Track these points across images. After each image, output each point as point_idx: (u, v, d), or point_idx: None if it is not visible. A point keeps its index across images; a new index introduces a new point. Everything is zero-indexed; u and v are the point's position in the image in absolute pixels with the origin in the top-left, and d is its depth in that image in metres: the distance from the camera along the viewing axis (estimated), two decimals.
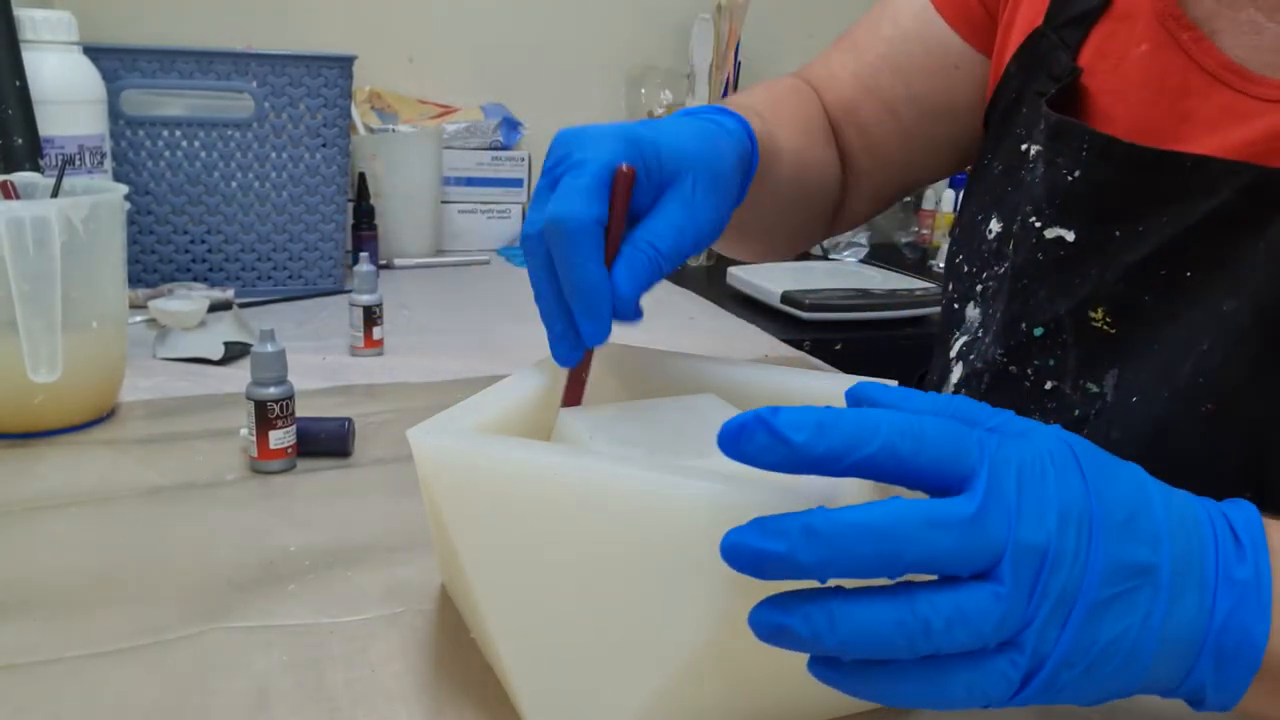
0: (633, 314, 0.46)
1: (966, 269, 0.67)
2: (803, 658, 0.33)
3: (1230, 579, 0.33)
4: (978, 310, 0.66)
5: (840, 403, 0.36)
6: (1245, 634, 0.32)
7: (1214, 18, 0.56)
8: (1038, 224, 0.60)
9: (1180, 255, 0.54)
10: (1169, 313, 0.55)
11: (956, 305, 0.68)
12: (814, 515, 0.31)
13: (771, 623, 0.31)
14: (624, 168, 0.45)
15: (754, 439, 0.31)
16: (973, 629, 0.30)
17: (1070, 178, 0.58)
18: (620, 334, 0.47)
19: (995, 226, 0.65)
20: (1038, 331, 0.60)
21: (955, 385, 0.66)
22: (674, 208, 0.47)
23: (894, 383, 0.40)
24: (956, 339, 0.67)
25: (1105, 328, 0.57)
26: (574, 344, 0.47)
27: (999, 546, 0.31)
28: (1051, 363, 0.59)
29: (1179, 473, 0.47)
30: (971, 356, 0.65)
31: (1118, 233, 0.56)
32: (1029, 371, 0.61)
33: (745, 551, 0.31)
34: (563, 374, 0.49)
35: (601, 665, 0.38)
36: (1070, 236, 0.58)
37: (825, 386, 0.49)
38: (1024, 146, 0.63)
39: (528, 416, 0.47)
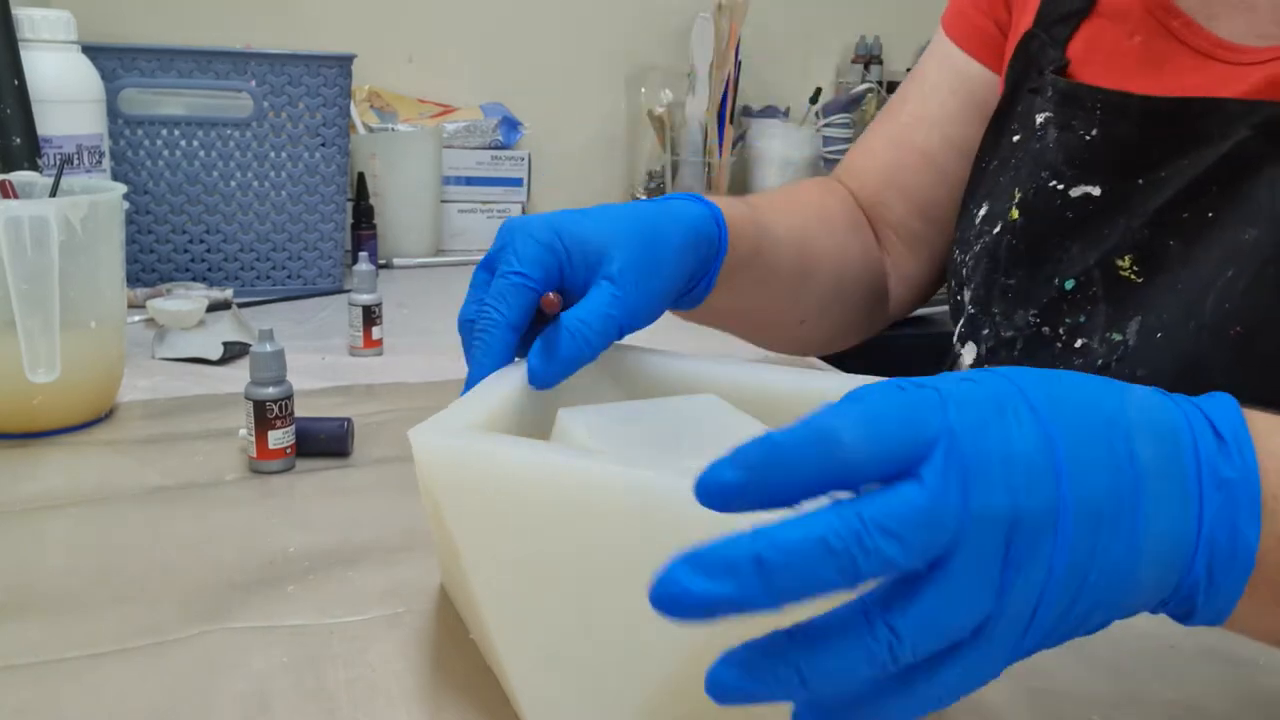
0: (539, 384, 0.49)
1: (958, 259, 0.69)
2: None
3: (1216, 479, 0.31)
4: (970, 292, 0.67)
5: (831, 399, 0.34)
6: (1236, 535, 0.31)
7: (1208, 5, 0.58)
8: (1060, 186, 0.61)
9: (1201, 196, 0.56)
10: (1192, 254, 0.56)
11: (957, 296, 0.69)
12: (759, 540, 0.27)
13: (736, 689, 0.29)
14: (550, 296, 0.49)
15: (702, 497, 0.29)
16: (944, 633, 0.29)
17: (1088, 137, 0.60)
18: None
19: (983, 210, 0.67)
20: (1069, 285, 0.61)
21: (971, 366, 0.67)
22: (598, 291, 0.50)
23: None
24: (956, 325, 0.69)
25: (1132, 276, 0.58)
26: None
27: (956, 531, 0.28)
28: (1082, 319, 0.61)
29: None
30: (985, 332, 0.65)
31: (1141, 181, 0.58)
32: (1061, 331, 0.61)
33: (686, 598, 0.27)
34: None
35: (601, 665, 0.38)
36: (1096, 192, 0.60)
37: (825, 386, 0.49)
38: (1015, 138, 0.65)
39: (525, 412, 0.47)
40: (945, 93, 0.75)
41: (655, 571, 0.28)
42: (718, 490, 0.29)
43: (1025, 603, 0.29)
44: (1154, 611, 0.33)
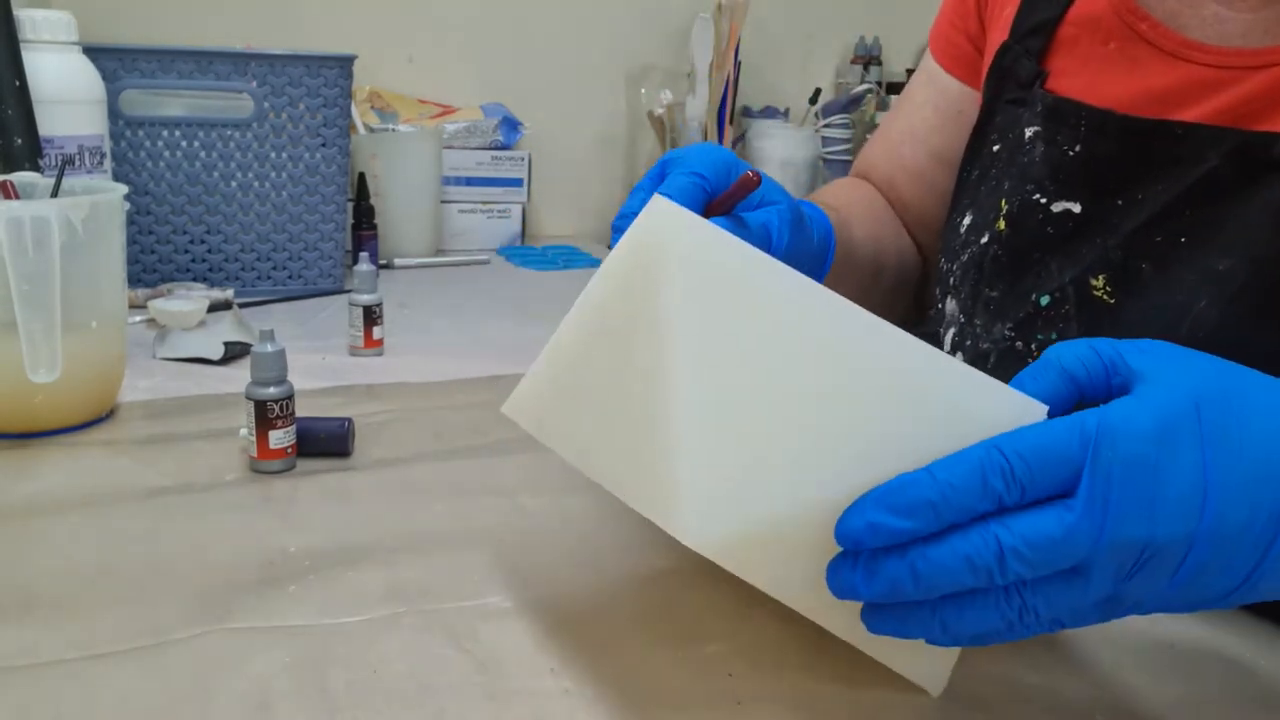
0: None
1: (945, 268, 0.70)
2: None
3: None
4: (955, 302, 0.68)
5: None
6: None
7: (1176, 15, 0.59)
8: (1043, 200, 0.62)
9: (1175, 221, 0.56)
10: (1165, 279, 0.56)
11: (940, 305, 0.70)
12: (911, 556, 0.35)
13: (887, 626, 0.38)
14: (750, 173, 0.50)
15: (863, 536, 0.36)
16: (1056, 610, 0.35)
17: (1071, 153, 0.61)
18: None
19: (966, 220, 0.68)
20: (1044, 300, 0.61)
21: None
22: (765, 211, 0.54)
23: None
24: (945, 335, 0.69)
25: (1105, 297, 0.58)
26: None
27: (1090, 554, 0.33)
28: (1054, 336, 0.61)
29: None
30: (968, 344, 0.66)
31: (1119, 202, 0.58)
32: (1033, 347, 0.62)
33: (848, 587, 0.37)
34: None
35: (769, 468, 0.38)
36: (1077, 209, 0.60)
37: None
38: (996, 149, 0.67)
39: None
40: (929, 110, 0.78)
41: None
42: (865, 533, 0.35)
43: (1135, 596, 0.35)
44: None
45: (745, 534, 0.39)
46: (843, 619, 0.41)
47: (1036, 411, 0.37)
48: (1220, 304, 0.53)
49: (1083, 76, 0.62)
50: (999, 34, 0.68)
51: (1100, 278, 0.58)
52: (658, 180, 0.53)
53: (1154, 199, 0.57)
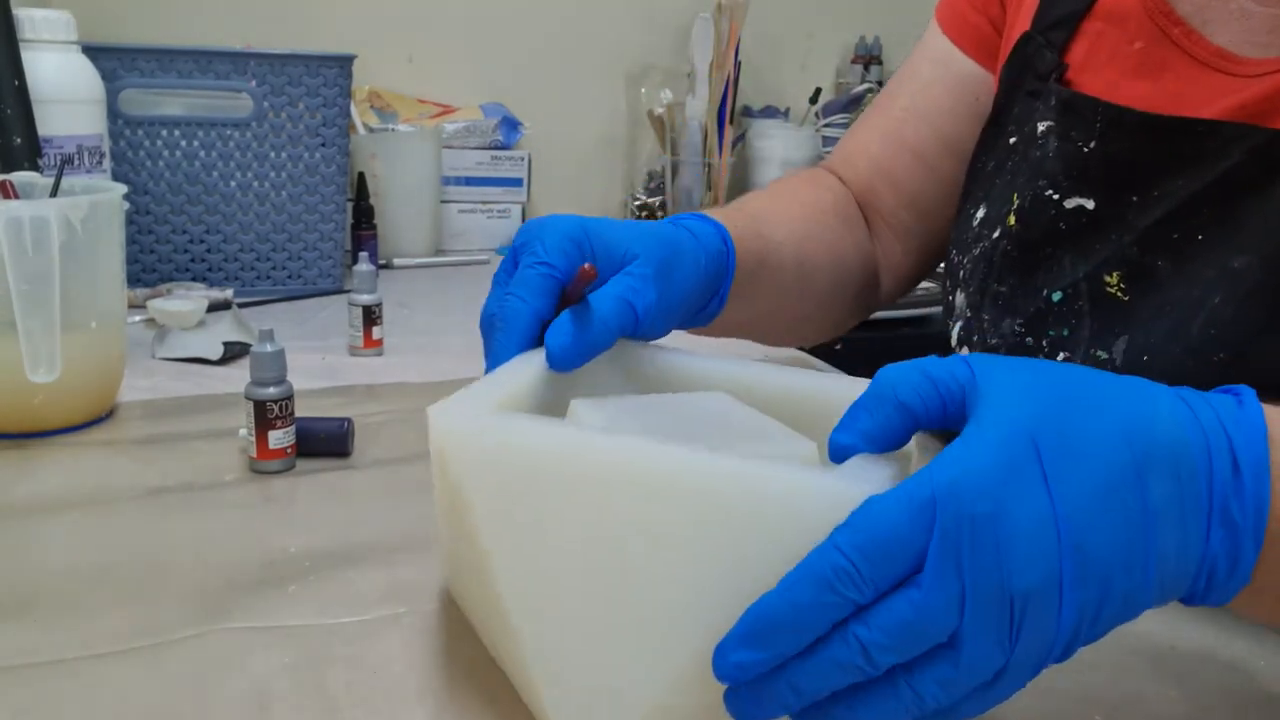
0: (557, 364, 0.48)
1: (956, 260, 0.69)
2: None
3: (1225, 518, 0.34)
4: (964, 295, 0.67)
5: (845, 403, 0.38)
6: (1237, 563, 0.34)
7: (1203, 10, 0.58)
8: (1055, 196, 0.61)
9: (1192, 218, 0.55)
10: (1180, 277, 0.56)
11: (949, 298, 0.69)
12: (788, 673, 0.34)
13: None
14: (586, 267, 0.47)
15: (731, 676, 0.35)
16: (959, 688, 0.33)
17: (1086, 149, 0.60)
18: None
19: (980, 213, 0.67)
20: (1056, 296, 0.61)
21: None
22: (617, 282, 0.50)
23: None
24: (953, 328, 0.69)
25: (1119, 294, 0.58)
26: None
27: (960, 619, 0.32)
28: (1066, 332, 0.60)
29: None
30: (975, 338, 0.66)
31: (1135, 198, 0.58)
32: (1044, 343, 0.62)
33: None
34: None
35: (625, 649, 0.38)
36: (1090, 205, 0.60)
37: (831, 387, 0.49)
38: (1013, 141, 0.65)
39: (539, 399, 0.47)
40: (939, 89, 0.75)
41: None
42: (736, 672, 0.34)
43: (1034, 653, 0.33)
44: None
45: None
46: None
47: (864, 487, 0.34)
48: (1235, 301, 0.53)
49: (1104, 74, 0.61)
50: (1022, 22, 0.67)
51: (1114, 274, 0.58)
52: (511, 270, 0.51)
53: (1172, 196, 0.56)
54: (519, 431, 0.38)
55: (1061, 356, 0.61)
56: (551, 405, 0.47)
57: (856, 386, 0.43)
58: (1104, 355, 0.58)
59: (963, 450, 0.33)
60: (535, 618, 0.39)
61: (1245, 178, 0.54)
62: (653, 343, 0.53)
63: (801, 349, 1.02)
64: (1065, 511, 0.32)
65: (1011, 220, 0.63)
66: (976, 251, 0.66)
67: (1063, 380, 0.35)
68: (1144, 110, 0.57)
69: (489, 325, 0.50)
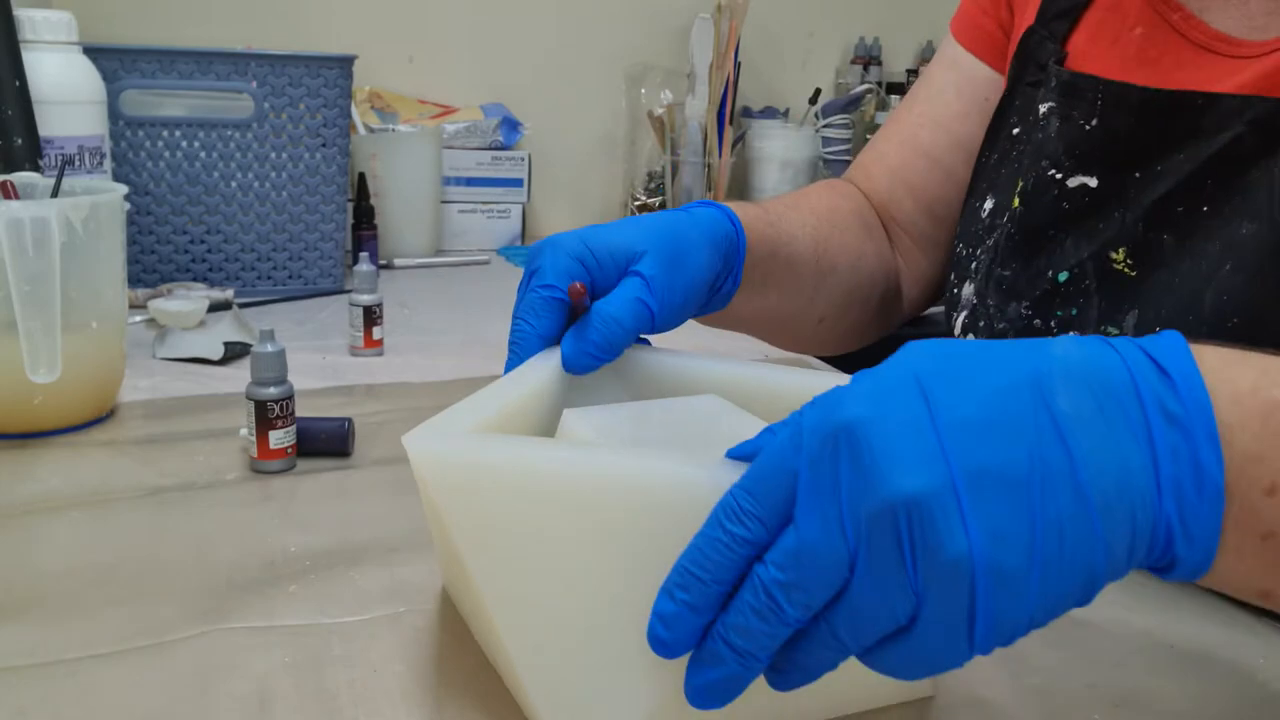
0: (571, 367, 0.50)
1: (964, 253, 0.69)
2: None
3: (1164, 414, 0.30)
4: (972, 286, 0.67)
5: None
6: (1200, 469, 0.30)
7: None
8: (1058, 175, 0.62)
9: (1197, 192, 0.56)
10: (1187, 249, 0.56)
11: (955, 290, 0.70)
12: (721, 630, 0.33)
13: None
14: (576, 285, 0.50)
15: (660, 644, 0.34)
16: (874, 625, 0.31)
17: (1088, 127, 0.60)
18: None
19: (988, 204, 0.67)
20: (1062, 277, 0.61)
21: None
22: (629, 282, 0.52)
23: None
24: (957, 319, 0.69)
25: (1126, 270, 0.58)
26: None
27: (850, 546, 0.30)
28: (1074, 311, 0.61)
29: None
30: (981, 324, 0.66)
31: (1138, 175, 0.58)
32: (1052, 324, 0.62)
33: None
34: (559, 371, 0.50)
35: (612, 661, 0.38)
36: (1093, 183, 0.60)
37: (822, 384, 0.49)
38: (1015, 131, 0.66)
39: (530, 415, 0.47)
40: (951, 93, 0.75)
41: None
42: (660, 627, 0.34)
43: (953, 579, 0.29)
44: (1138, 566, 0.32)
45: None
46: (810, 704, 0.41)
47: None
48: (1245, 268, 0.53)
49: (1104, 60, 0.62)
50: (1028, 17, 0.68)
51: (1120, 250, 0.58)
52: (525, 289, 0.53)
53: (1175, 170, 0.57)
54: (490, 457, 0.38)
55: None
56: (546, 418, 0.48)
57: (834, 380, 0.45)
58: (1115, 331, 0.59)
59: (842, 386, 0.32)
60: (522, 634, 0.39)
61: (1248, 148, 0.54)
62: (652, 347, 0.54)
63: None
64: (947, 420, 0.30)
65: (1016, 203, 0.64)
66: (990, 241, 0.66)
67: (967, 345, 0.33)
68: (1145, 86, 0.58)
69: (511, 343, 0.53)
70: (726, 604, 0.33)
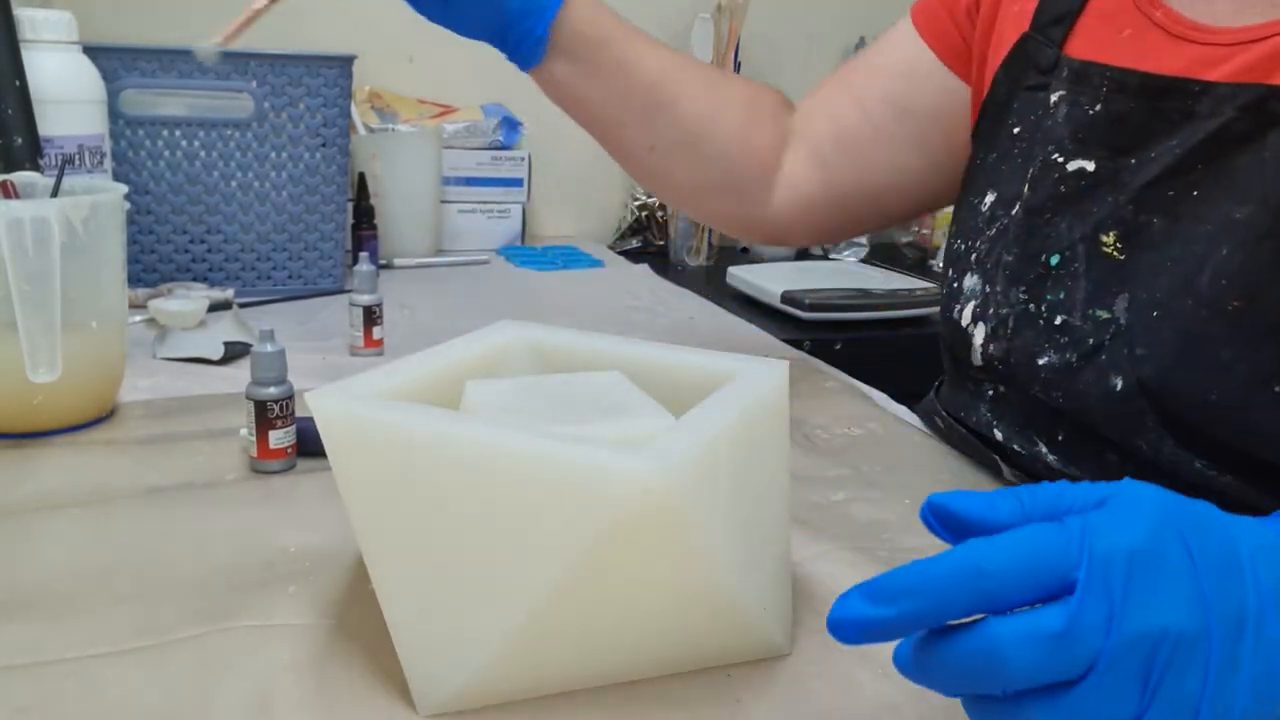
0: None
1: (963, 247, 0.70)
2: (641, 610, 0.41)
3: None
4: (976, 276, 0.69)
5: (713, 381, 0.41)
6: None
7: None
8: (1060, 159, 0.63)
9: (1186, 175, 0.57)
10: (1176, 233, 0.57)
11: (955, 284, 0.71)
12: (921, 648, 0.32)
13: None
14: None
15: (846, 631, 0.32)
16: None
17: (1091, 111, 0.62)
18: (596, 324, 0.49)
19: (989, 198, 0.69)
20: (1054, 260, 0.62)
21: (981, 346, 0.67)
22: None
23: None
24: (964, 309, 0.69)
25: (1114, 253, 0.59)
26: None
27: (1100, 650, 0.30)
28: (1061, 295, 0.62)
29: (1211, 383, 0.51)
30: (990, 312, 0.67)
31: (1132, 160, 0.60)
32: (1043, 308, 0.63)
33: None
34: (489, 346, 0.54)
35: (467, 609, 0.41)
36: (1090, 167, 0.62)
37: (726, 367, 0.50)
38: (1017, 130, 0.68)
39: (443, 386, 0.50)
40: (895, 56, 0.81)
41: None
42: (858, 627, 0.32)
43: (1181, 708, 0.31)
44: None
45: (489, 674, 0.41)
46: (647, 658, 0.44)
47: (629, 461, 0.38)
48: (1243, 249, 0.54)
49: (1103, 57, 0.64)
50: (1013, 29, 0.70)
51: (1110, 234, 0.59)
52: None
53: (1166, 154, 0.58)
54: (368, 418, 0.42)
55: (1059, 320, 0.62)
56: (453, 390, 0.51)
57: (741, 363, 0.49)
58: (1104, 314, 0.59)
59: (1106, 509, 0.33)
60: (390, 577, 0.43)
61: (1238, 133, 0.55)
62: (561, 328, 0.57)
63: (801, 350, 1.02)
64: (1205, 566, 0.32)
65: (1026, 190, 0.65)
66: (991, 232, 0.68)
67: (1174, 496, 0.34)
68: (1146, 71, 0.60)
69: None
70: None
